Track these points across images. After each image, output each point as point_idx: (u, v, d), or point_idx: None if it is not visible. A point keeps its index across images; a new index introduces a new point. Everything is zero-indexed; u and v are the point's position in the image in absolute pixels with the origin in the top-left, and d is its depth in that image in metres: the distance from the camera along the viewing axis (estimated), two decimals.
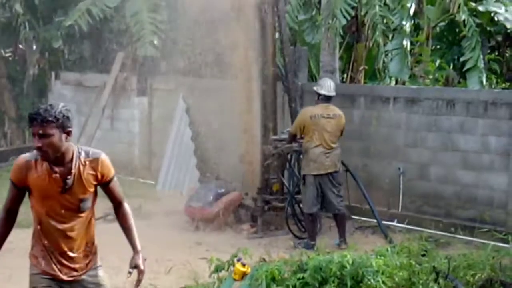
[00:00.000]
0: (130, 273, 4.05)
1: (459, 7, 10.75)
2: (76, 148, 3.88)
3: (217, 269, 6.16)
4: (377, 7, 10.26)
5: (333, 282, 5.56)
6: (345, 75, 12.89)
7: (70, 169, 3.81)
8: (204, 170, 11.22)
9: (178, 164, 11.81)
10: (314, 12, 12.32)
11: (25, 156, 3.89)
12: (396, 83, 12.45)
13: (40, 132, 3.70)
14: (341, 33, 10.71)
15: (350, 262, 5.63)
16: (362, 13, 10.75)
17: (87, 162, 3.88)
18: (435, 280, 6.02)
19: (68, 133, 3.77)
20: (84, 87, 13.63)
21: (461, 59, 11.67)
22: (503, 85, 14.04)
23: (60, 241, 3.90)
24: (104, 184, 3.99)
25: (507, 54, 14.78)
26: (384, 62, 10.72)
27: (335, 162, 8.49)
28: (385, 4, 10.42)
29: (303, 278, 5.67)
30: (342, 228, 8.62)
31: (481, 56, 11.17)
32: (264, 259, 6.94)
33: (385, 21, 10.40)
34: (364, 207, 9.41)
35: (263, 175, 9.31)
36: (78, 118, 13.63)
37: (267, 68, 9.32)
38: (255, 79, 9.39)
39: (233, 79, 9.91)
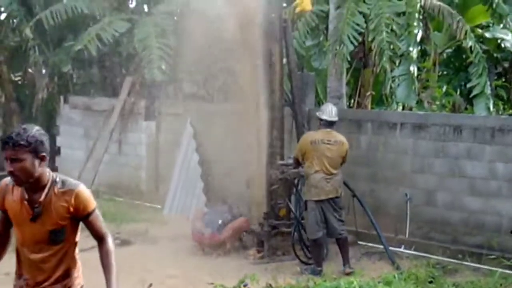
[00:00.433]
0: None
1: (465, 33, 10.79)
2: (53, 175, 3.69)
3: None
4: (384, 33, 10.31)
5: None
6: (352, 101, 12.93)
7: (40, 197, 3.63)
8: (211, 195, 11.23)
9: (185, 189, 11.82)
10: (321, 38, 12.40)
11: (6, 179, 3.74)
12: (403, 108, 12.47)
13: (12, 156, 3.52)
14: (348, 59, 10.76)
15: None
16: (369, 39, 10.80)
17: (60, 193, 3.65)
18: None
19: (42, 158, 3.58)
20: (92, 111, 13.71)
21: (468, 85, 11.69)
22: (510, 111, 14.06)
23: (32, 271, 3.75)
24: (81, 219, 3.74)
25: None
26: (391, 87, 10.74)
27: (336, 188, 8.47)
28: (392, 30, 10.46)
29: None
30: (345, 253, 8.58)
31: (488, 82, 11.18)
32: (270, 285, 6.93)
33: (392, 47, 10.44)
34: (371, 233, 9.37)
35: (270, 200, 9.30)
36: (86, 141, 13.72)
37: (275, 93, 9.36)
38: (262, 104, 9.42)
39: (240, 104, 9.95)
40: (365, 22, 10.66)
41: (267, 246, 9.13)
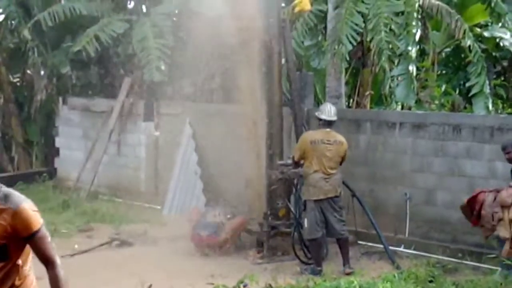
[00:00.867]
0: None
1: (464, 32, 10.79)
2: None
3: None
4: (383, 32, 10.31)
5: None
6: (351, 100, 12.93)
7: None
8: (210, 195, 11.23)
9: (184, 189, 11.82)
10: (320, 38, 12.39)
11: None
12: (402, 108, 12.46)
13: None
14: (347, 59, 10.76)
15: None
16: (368, 39, 10.80)
17: (0, 210, 3.32)
18: None
19: None
20: (91, 112, 13.70)
21: (467, 84, 11.70)
22: (509, 110, 14.05)
23: None
24: (23, 239, 3.38)
25: None
26: (390, 87, 10.75)
27: (335, 187, 8.47)
28: (390, 29, 10.46)
29: None
30: (345, 253, 8.59)
31: (487, 82, 11.19)
32: (270, 285, 6.93)
33: (391, 46, 10.44)
34: (371, 232, 9.37)
35: (269, 200, 9.30)
36: (85, 142, 13.71)
37: (273, 93, 9.36)
38: (261, 104, 9.42)
39: (239, 105, 9.95)
40: (364, 21, 10.66)
41: (266, 246, 9.13)
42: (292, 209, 9.23)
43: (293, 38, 10.85)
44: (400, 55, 11.03)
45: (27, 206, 3.36)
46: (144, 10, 14.21)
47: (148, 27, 12.62)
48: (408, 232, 9.46)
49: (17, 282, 3.46)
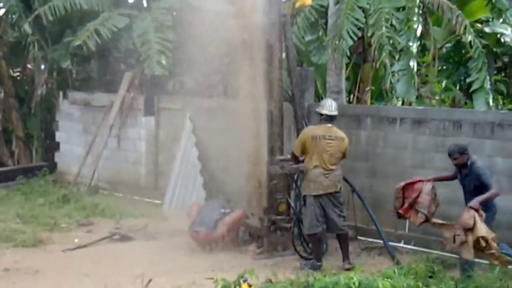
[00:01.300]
0: None
1: (465, 28, 10.77)
2: None
3: None
4: (383, 28, 10.31)
5: None
6: (351, 96, 12.92)
7: None
8: (210, 190, 11.23)
9: (184, 184, 11.83)
10: (320, 33, 12.38)
11: None
12: (403, 104, 12.46)
13: None
14: (348, 54, 10.75)
15: (357, 283, 5.63)
16: (369, 34, 10.79)
17: None
18: None
19: None
20: (91, 107, 13.70)
21: (468, 80, 11.68)
22: (510, 106, 14.04)
23: None
24: None
25: None
26: (390, 82, 10.73)
27: (335, 182, 8.48)
28: (391, 25, 10.46)
29: None
30: (345, 248, 8.60)
31: (488, 77, 11.17)
32: (270, 280, 6.93)
33: (391, 42, 10.43)
34: (371, 228, 9.38)
35: (270, 195, 9.29)
36: (85, 137, 13.72)
37: (274, 88, 9.35)
38: (262, 99, 9.41)
39: (240, 99, 9.94)
40: (365, 17, 10.66)
41: (266, 241, 9.14)
42: (292, 204, 9.23)
43: (293, 33, 10.83)
44: (401, 50, 11.01)
45: None
46: (145, 4, 14.19)
47: (148, 21, 12.61)
48: (408, 228, 9.46)
49: None
